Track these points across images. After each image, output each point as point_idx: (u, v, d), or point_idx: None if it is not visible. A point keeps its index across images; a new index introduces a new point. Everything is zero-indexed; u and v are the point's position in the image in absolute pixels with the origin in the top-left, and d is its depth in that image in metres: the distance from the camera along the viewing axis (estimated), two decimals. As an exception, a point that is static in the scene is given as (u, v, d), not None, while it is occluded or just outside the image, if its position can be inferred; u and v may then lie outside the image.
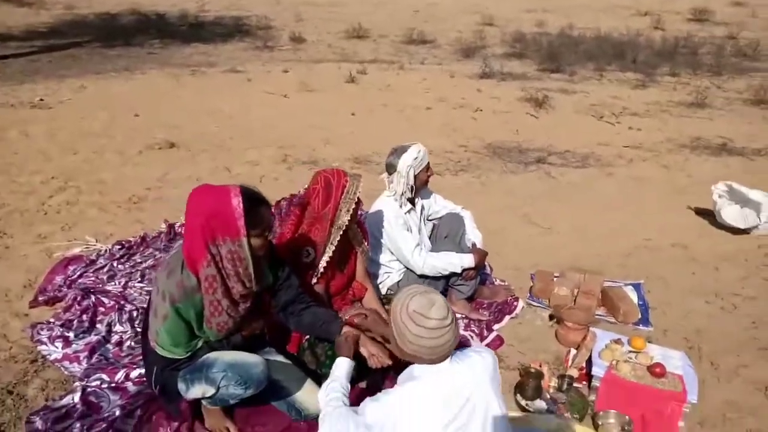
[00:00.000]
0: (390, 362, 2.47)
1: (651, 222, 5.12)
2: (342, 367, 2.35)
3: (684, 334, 3.53)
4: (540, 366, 3.05)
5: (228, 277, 2.30)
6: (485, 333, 3.49)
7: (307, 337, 2.87)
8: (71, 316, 3.39)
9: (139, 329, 3.29)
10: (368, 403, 1.94)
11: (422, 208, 3.66)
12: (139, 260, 4.11)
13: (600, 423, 2.73)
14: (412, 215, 3.51)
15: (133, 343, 3.20)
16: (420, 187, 3.49)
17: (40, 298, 3.60)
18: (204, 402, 2.51)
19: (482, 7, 18.03)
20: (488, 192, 5.77)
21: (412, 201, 3.52)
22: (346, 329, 2.54)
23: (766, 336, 3.54)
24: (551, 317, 3.65)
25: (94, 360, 3.04)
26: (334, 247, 2.83)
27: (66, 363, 3.01)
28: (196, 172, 5.86)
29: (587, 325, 3.33)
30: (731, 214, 4.89)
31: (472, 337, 3.43)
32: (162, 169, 5.92)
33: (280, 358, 2.73)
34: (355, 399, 2.34)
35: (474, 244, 3.65)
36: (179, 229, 4.55)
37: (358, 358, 2.46)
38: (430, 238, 3.68)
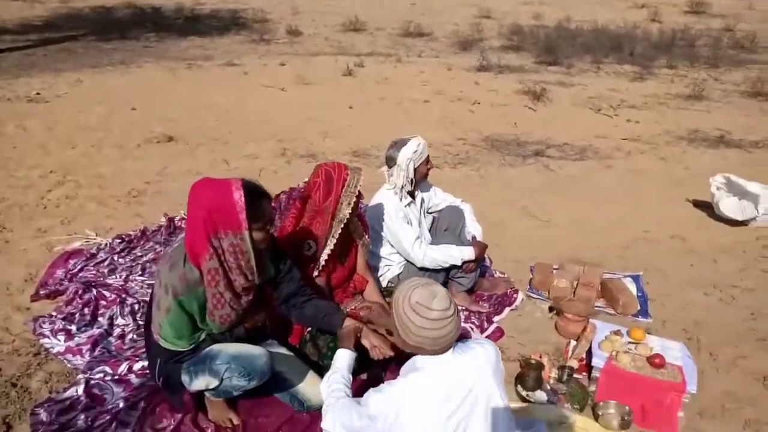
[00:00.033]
0: (392, 353, 2.49)
1: (649, 214, 5.15)
2: (343, 358, 2.36)
3: (683, 326, 3.55)
4: (540, 357, 3.07)
5: (230, 270, 2.31)
6: (485, 325, 3.51)
7: (309, 329, 2.88)
8: (73, 310, 3.40)
9: (140, 322, 3.31)
10: (372, 394, 1.95)
11: (422, 201, 3.66)
12: (140, 254, 4.12)
13: (600, 413, 2.75)
14: (412, 208, 3.52)
15: (135, 336, 3.21)
16: (420, 180, 3.49)
17: (41, 292, 3.60)
18: (207, 394, 2.52)
19: (479, -1, 18.03)
20: (487, 185, 5.78)
21: (412, 194, 3.53)
22: (348, 321, 2.55)
23: (764, 327, 3.57)
24: (551, 309, 3.67)
25: (96, 353, 3.05)
26: (335, 240, 2.84)
27: (69, 356, 3.02)
28: (194, 165, 5.86)
29: (587, 317, 3.35)
30: (729, 206, 4.91)
31: (472, 329, 3.45)
32: (161, 163, 5.92)
33: (282, 350, 2.74)
34: (357, 391, 2.35)
35: (474, 237, 3.67)
36: (179, 223, 4.56)
37: (359, 350, 2.48)
38: (430, 231, 3.69)
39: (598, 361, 2.94)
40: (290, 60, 11.01)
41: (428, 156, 3.44)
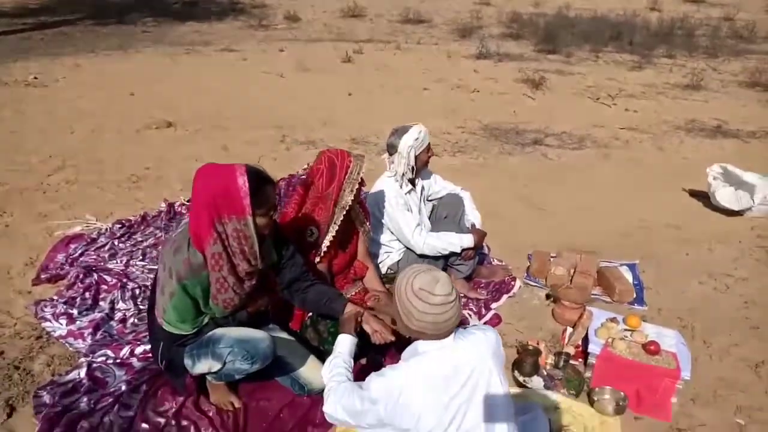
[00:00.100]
0: (393, 338, 2.52)
1: (646, 203, 5.18)
2: (345, 343, 2.39)
3: (678, 314, 3.60)
4: (537, 344, 3.11)
5: (234, 255, 2.32)
6: (483, 312, 3.54)
7: (310, 314, 2.91)
8: (74, 294, 3.42)
9: (141, 307, 3.34)
10: (374, 378, 1.98)
11: (422, 188, 3.68)
12: (140, 239, 4.14)
13: (596, 399, 2.79)
14: (412, 196, 3.54)
15: (136, 320, 3.24)
16: (420, 168, 3.51)
17: (42, 276, 3.62)
18: (209, 377, 2.56)
19: (479, -14, 17.92)
20: (486, 173, 5.80)
21: (412, 181, 3.54)
22: (349, 307, 2.58)
23: (757, 315, 3.62)
24: (548, 296, 3.71)
25: (98, 336, 3.08)
26: (337, 227, 2.86)
27: (71, 339, 3.05)
28: (194, 151, 5.85)
29: (583, 304, 3.39)
30: (725, 196, 4.95)
31: (470, 315, 3.49)
32: (160, 149, 5.92)
33: (284, 334, 2.77)
34: (357, 375, 2.38)
35: (473, 225, 3.69)
36: (179, 208, 4.57)
37: (360, 335, 2.51)
38: (430, 218, 3.72)
39: (594, 348, 2.98)
40: (289, 46, 10.97)
41: (429, 144, 3.46)
